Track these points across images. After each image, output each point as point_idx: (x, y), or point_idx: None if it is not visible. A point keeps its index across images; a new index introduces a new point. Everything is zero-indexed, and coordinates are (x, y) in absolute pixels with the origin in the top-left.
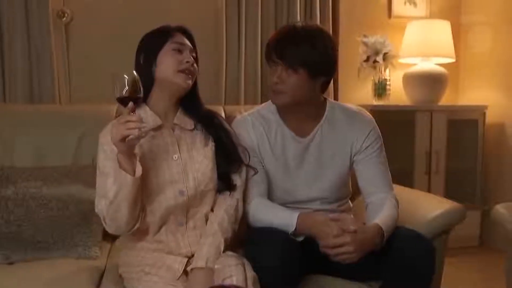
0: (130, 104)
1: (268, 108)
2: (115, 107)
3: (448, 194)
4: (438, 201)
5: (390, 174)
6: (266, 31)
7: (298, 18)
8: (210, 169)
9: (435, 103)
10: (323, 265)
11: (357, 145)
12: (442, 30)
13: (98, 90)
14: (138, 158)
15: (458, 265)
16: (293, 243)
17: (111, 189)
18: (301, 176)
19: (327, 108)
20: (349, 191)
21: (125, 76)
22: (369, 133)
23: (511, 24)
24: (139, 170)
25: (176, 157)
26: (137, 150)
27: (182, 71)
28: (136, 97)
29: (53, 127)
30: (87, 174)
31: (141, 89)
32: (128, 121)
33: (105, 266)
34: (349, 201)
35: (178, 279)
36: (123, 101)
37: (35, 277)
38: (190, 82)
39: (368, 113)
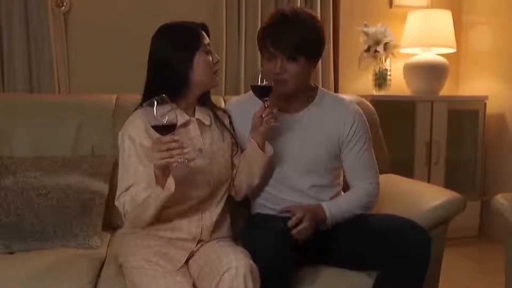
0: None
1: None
2: (114, 96)
3: (448, 184)
4: (438, 191)
5: (375, 162)
6: None
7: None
8: (230, 163)
9: (435, 93)
10: (322, 255)
11: (343, 133)
12: (443, 20)
13: (97, 79)
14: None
15: (457, 255)
16: (286, 232)
17: (142, 194)
18: (287, 153)
19: (317, 95)
20: (340, 182)
21: (154, 101)
22: (354, 122)
23: None
24: (172, 184)
25: (203, 150)
26: None
27: (215, 73)
28: (174, 124)
29: (52, 117)
30: (86, 164)
31: (176, 116)
32: (170, 148)
33: (106, 256)
34: (342, 192)
35: (178, 269)
36: (160, 129)
37: (36, 267)
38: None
39: (356, 105)
